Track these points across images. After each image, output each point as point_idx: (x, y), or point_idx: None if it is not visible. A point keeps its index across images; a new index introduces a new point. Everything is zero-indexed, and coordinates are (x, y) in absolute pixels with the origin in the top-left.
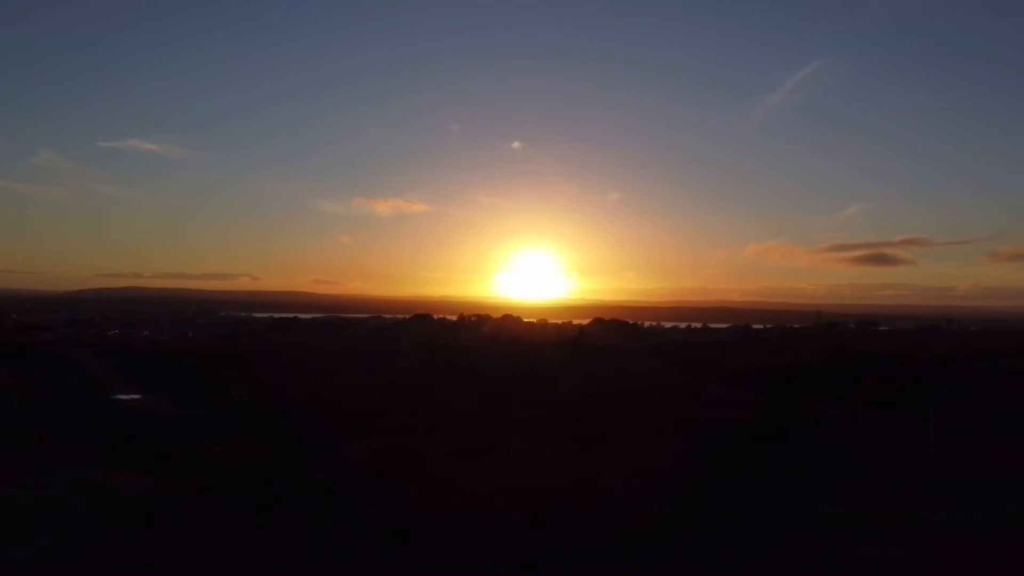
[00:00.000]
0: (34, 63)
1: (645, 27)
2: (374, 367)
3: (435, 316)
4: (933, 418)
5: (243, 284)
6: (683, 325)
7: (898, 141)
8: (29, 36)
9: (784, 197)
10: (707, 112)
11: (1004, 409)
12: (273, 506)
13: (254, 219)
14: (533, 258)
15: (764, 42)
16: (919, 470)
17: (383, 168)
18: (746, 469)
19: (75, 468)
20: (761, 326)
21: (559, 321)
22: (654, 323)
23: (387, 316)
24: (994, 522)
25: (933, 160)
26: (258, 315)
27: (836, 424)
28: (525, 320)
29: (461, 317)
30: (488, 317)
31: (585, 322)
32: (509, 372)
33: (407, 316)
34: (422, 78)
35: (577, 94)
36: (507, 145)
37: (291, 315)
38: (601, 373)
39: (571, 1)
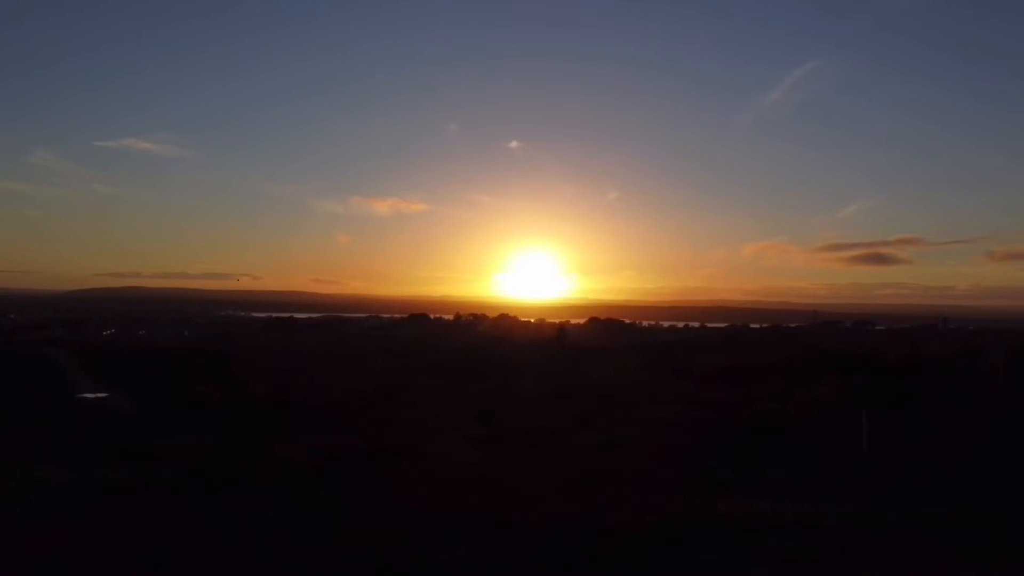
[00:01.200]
0: (33, 63)
1: (643, 27)
2: (354, 366)
3: (432, 316)
4: (865, 417)
5: (243, 284)
6: (681, 324)
7: (896, 140)
8: (27, 36)
9: (782, 196)
10: (705, 111)
11: (964, 406)
12: (181, 501)
13: (254, 219)
14: (532, 257)
15: (762, 41)
16: (845, 468)
17: (382, 168)
18: (666, 467)
19: (9, 465)
20: (758, 325)
21: (556, 321)
22: (652, 322)
23: (385, 316)
24: (897, 520)
25: (931, 160)
26: (257, 315)
27: (779, 421)
28: (522, 320)
29: (457, 317)
30: (484, 317)
31: (581, 321)
32: (485, 371)
33: (404, 316)
34: (420, 78)
35: (575, 94)
36: (505, 144)
37: (288, 315)
38: (573, 372)
39: (569, 2)
